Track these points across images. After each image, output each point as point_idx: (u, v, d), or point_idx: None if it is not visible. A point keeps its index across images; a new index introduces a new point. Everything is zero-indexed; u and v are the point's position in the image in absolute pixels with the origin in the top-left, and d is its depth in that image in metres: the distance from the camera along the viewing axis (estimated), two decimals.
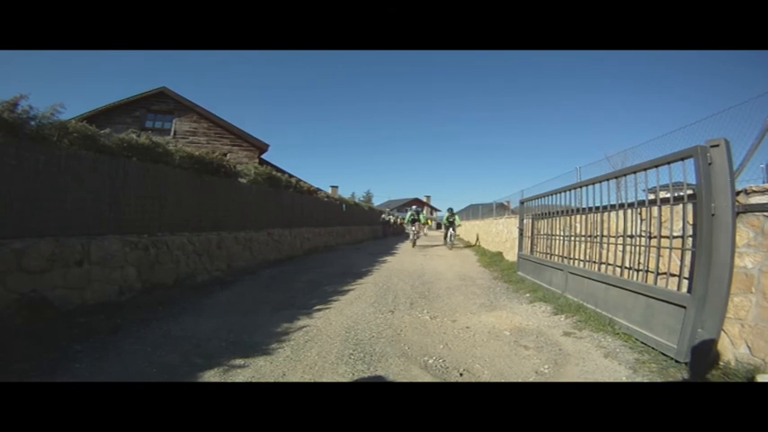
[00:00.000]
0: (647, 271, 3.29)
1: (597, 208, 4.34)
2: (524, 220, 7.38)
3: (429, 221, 24.20)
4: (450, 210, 13.94)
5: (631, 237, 3.58)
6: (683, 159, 2.90)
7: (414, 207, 15.46)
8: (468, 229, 19.94)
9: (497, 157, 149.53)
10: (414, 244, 14.13)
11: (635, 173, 3.52)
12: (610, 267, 3.90)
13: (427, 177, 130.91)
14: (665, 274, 3.05)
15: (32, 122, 3.90)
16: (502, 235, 10.94)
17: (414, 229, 14.39)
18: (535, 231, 6.69)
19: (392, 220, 21.75)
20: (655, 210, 3.23)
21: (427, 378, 2.54)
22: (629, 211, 3.65)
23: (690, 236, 2.87)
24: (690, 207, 2.89)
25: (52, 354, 2.71)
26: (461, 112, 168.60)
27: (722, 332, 2.53)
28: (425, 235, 20.69)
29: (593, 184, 4.40)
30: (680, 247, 2.95)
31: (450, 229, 13.56)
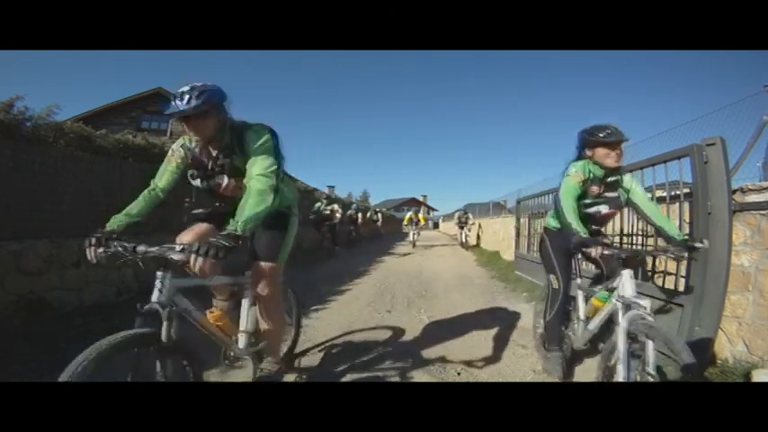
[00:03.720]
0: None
1: None
2: (521, 220, 7.39)
3: (423, 219, 23.42)
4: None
5: (628, 235, 3.59)
6: (679, 158, 2.91)
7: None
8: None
9: (495, 156, 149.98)
10: None
11: (631, 171, 3.51)
12: None
13: (425, 177, 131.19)
14: (662, 272, 3.06)
15: (28, 123, 3.89)
16: (499, 234, 10.95)
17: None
18: (532, 230, 6.70)
19: (356, 214, 13.95)
20: None
21: (425, 378, 2.54)
22: (626, 209, 3.65)
23: (686, 234, 2.88)
24: (686, 206, 2.90)
25: (51, 355, 2.70)
26: (461, 111, 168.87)
27: (720, 330, 2.55)
28: (416, 240, 19.99)
29: None
30: None
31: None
